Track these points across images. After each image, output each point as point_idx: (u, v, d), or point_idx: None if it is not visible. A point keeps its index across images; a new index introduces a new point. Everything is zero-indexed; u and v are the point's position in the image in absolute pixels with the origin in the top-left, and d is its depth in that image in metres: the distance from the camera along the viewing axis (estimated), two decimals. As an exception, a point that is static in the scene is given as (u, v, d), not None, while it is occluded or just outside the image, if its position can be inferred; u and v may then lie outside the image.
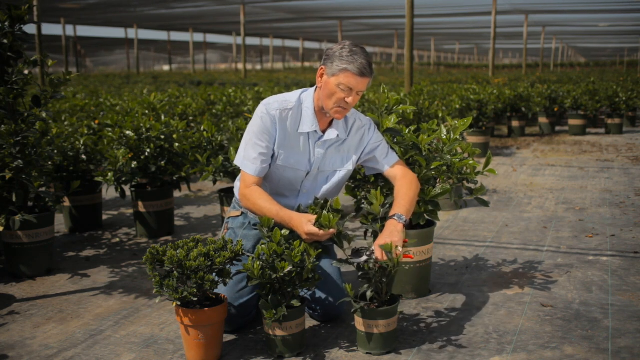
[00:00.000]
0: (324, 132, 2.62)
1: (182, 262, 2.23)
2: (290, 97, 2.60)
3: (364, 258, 2.35)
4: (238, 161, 2.64)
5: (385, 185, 2.91)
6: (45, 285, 3.27)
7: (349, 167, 2.70)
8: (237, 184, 2.79)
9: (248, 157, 2.57)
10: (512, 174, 6.40)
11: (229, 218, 2.83)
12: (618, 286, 3.10)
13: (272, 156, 2.59)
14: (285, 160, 2.58)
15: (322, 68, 2.52)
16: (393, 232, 2.42)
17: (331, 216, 2.35)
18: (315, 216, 2.39)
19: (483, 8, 18.18)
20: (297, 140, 2.59)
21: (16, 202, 3.31)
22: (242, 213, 2.77)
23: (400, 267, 2.40)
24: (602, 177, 6.11)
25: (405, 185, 2.64)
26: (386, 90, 2.93)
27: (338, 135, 2.62)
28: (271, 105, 2.55)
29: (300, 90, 2.65)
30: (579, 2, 17.85)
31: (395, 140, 2.90)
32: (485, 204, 2.91)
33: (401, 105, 2.95)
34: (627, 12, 20.16)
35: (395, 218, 2.48)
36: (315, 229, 2.36)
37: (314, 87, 2.63)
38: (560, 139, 9.39)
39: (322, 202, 2.51)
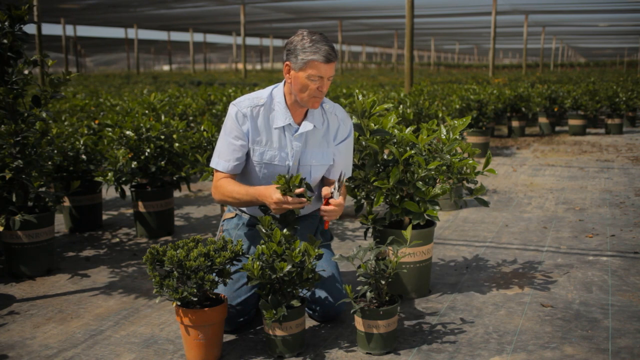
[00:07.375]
0: (299, 124, 2.65)
1: (182, 262, 2.24)
2: (261, 94, 2.65)
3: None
4: (213, 163, 2.69)
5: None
6: (45, 285, 3.27)
7: (330, 161, 2.72)
8: None
9: (222, 155, 2.64)
10: (512, 174, 6.40)
11: (224, 220, 2.87)
12: (618, 286, 3.10)
13: (247, 153, 2.63)
14: (260, 157, 2.62)
15: (287, 64, 2.54)
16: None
17: (298, 177, 2.36)
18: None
19: (483, 8, 18.21)
20: (271, 136, 2.63)
21: (16, 202, 3.32)
22: (236, 214, 2.80)
23: (399, 270, 2.40)
24: (602, 177, 6.11)
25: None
26: (360, 97, 3.01)
27: (315, 126, 2.65)
28: (242, 103, 2.61)
29: (271, 87, 2.69)
30: (579, 2, 17.87)
31: (394, 140, 2.90)
32: (485, 204, 2.91)
33: (378, 107, 2.97)
34: (627, 12, 20.19)
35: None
36: (281, 197, 2.38)
37: (283, 82, 2.66)
38: (560, 139, 9.39)
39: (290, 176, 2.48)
